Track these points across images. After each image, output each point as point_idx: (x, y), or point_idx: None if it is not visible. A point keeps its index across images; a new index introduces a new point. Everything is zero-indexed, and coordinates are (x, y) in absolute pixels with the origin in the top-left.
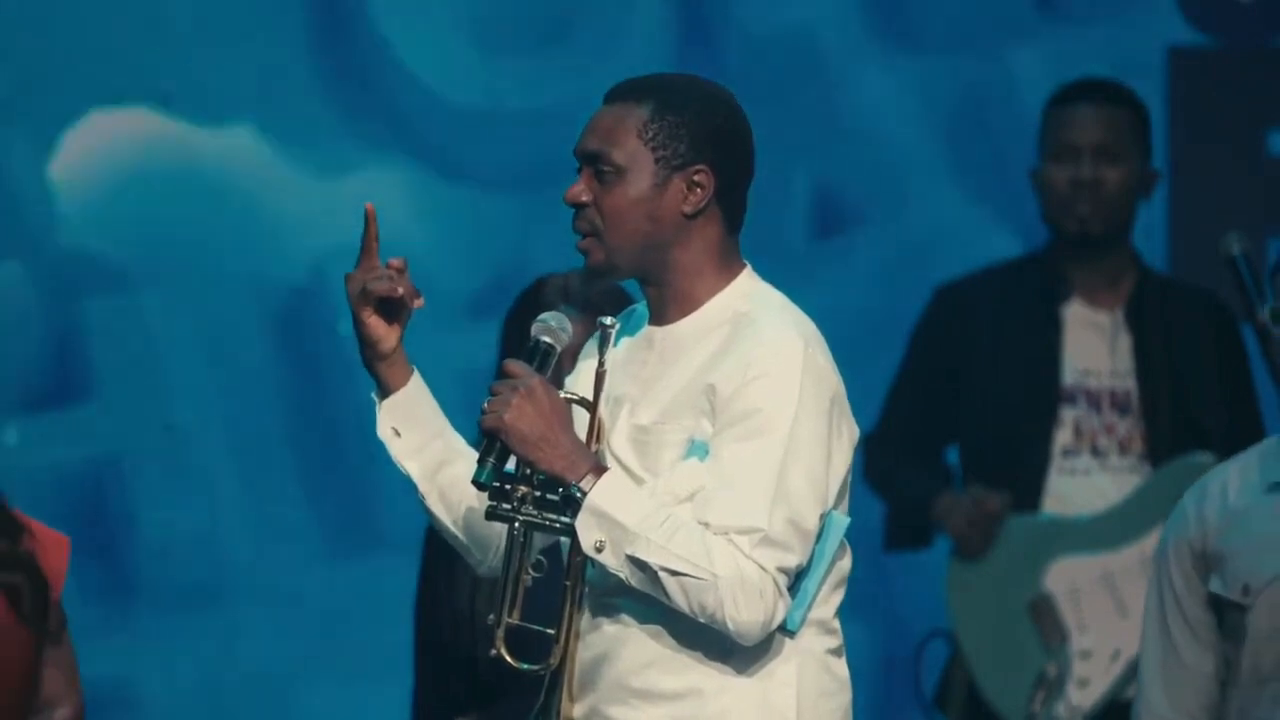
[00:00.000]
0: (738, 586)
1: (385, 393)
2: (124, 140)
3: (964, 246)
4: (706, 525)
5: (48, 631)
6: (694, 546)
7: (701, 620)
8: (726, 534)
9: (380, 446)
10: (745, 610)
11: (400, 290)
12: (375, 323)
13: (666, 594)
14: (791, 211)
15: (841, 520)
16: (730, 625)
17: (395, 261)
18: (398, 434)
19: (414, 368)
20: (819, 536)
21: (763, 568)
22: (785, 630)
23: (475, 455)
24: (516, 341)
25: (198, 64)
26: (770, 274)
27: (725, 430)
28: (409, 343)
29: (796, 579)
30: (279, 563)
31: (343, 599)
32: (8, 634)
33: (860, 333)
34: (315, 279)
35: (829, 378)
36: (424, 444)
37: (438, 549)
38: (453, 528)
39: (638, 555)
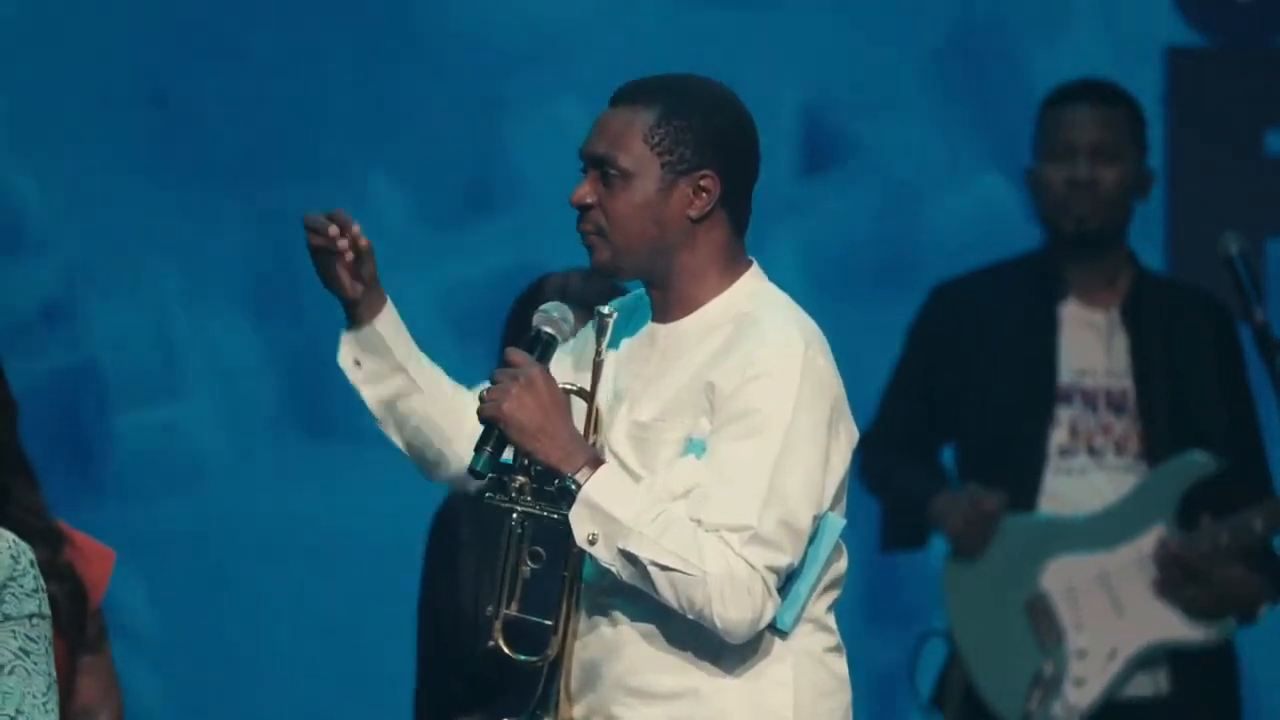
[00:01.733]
0: (726, 583)
1: (353, 326)
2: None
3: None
4: (700, 522)
5: (84, 641)
6: (685, 542)
7: (690, 616)
8: (718, 531)
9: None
10: (733, 608)
11: (340, 241)
12: (334, 276)
13: (656, 588)
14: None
15: (837, 522)
16: (718, 622)
17: (336, 214)
18: (358, 364)
19: (388, 301)
20: (813, 538)
21: (752, 566)
22: (777, 630)
23: (447, 384)
24: (518, 340)
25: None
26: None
27: (723, 428)
28: None
29: (789, 580)
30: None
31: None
32: None
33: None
34: None
35: (829, 379)
36: (383, 374)
37: (440, 547)
38: (404, 449)
39: (629, 549)
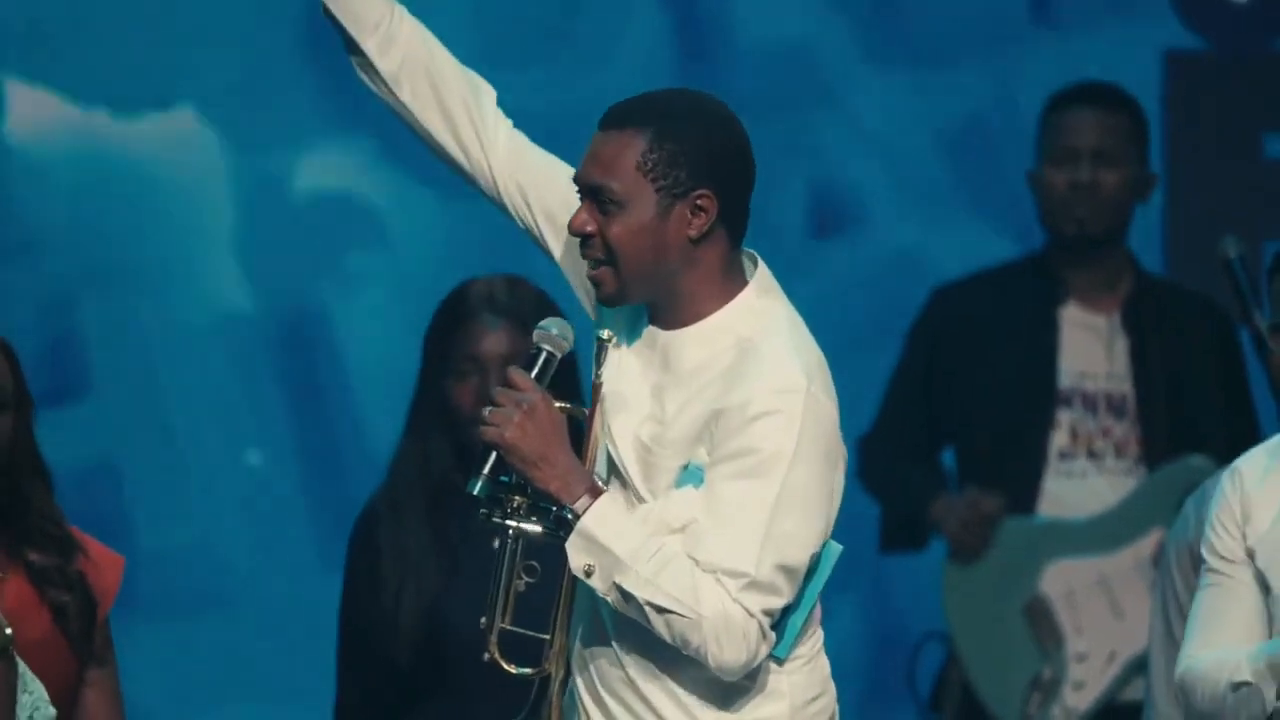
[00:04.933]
0: (722, 628)
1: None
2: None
3: (962, 255)
4: (696, 562)
5: (92, 653)
6: (681, 583)
7: (685, 653)
8: (715, 573)
9: (378, 455)
10: (729, 651)
11: None
12: None
13: (650, 625)
14: (790, 211)
15: (834, 550)
16: (711, 662)
17: None
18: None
19: None
20: (813, 569)
21: (749, 611)
22: (774, 659)
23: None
24: (441, 347)
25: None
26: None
27: (721, 465)
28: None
29: (784, 613)
30: (277, 571)
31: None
32: (51, 651)
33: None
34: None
35: (829, 414)
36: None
37: (360, 554)
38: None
39: (625, 586)
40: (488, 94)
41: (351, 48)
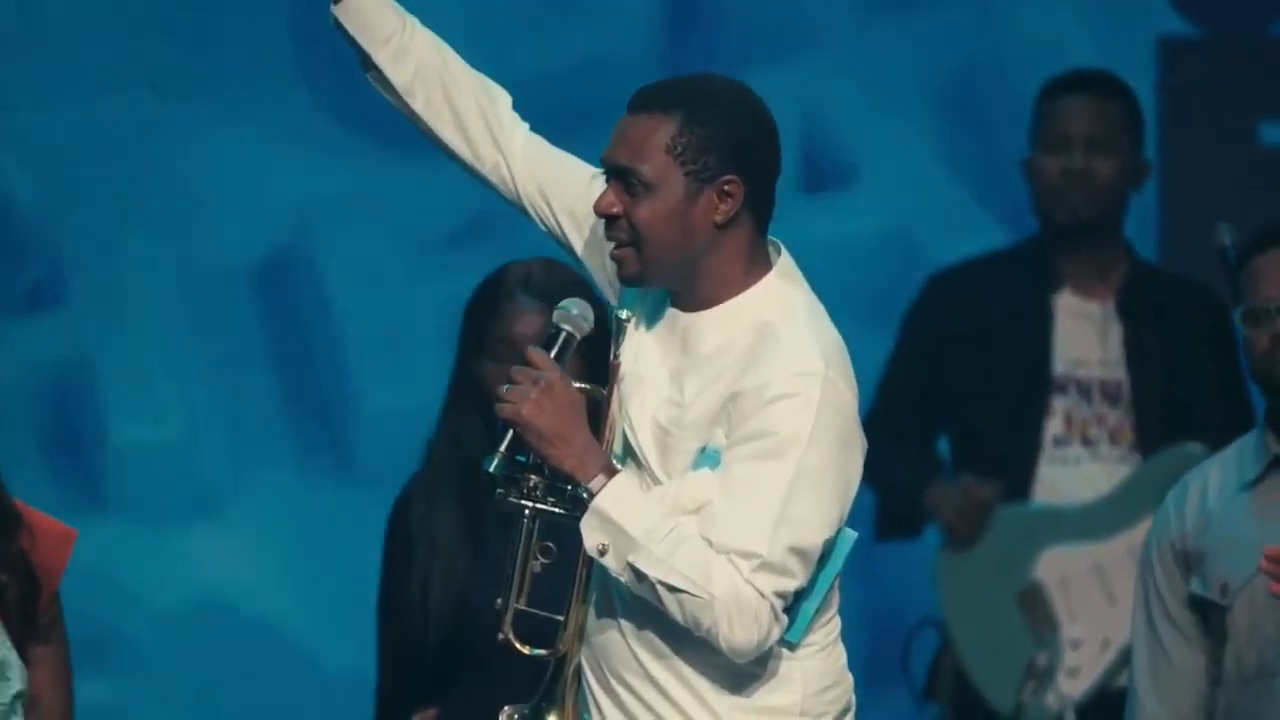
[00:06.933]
0: (734, 609)
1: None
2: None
3: (950, 229)
4: (710, 542)
5: (35, 634)
6: (695, 563)
7: (697, 634)
8: (729, 555)
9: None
10: (740, 632)
11: None
12: None
13: (663, 604)
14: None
15: (848, 537)
16: (723, 644)
17: None
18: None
19: None
20: (826, 555)
21: (760, 593)
22: (786, 644)
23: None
24: (476, 328)
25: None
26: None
27: (737, 447)
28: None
29: (797, 598)
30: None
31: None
32: None
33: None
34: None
35: (846, 400)
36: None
37: (394, 538)
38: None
39: (638, 566)
40: (503, 99)
41: (365, 62)
